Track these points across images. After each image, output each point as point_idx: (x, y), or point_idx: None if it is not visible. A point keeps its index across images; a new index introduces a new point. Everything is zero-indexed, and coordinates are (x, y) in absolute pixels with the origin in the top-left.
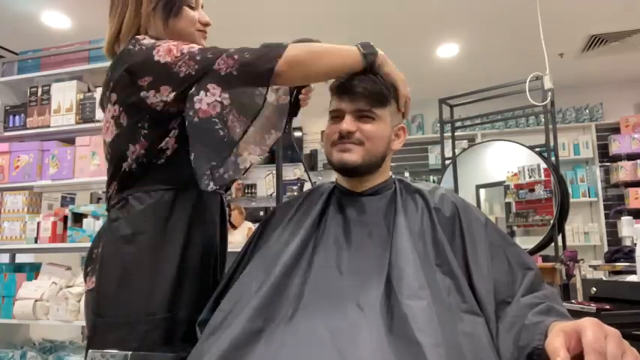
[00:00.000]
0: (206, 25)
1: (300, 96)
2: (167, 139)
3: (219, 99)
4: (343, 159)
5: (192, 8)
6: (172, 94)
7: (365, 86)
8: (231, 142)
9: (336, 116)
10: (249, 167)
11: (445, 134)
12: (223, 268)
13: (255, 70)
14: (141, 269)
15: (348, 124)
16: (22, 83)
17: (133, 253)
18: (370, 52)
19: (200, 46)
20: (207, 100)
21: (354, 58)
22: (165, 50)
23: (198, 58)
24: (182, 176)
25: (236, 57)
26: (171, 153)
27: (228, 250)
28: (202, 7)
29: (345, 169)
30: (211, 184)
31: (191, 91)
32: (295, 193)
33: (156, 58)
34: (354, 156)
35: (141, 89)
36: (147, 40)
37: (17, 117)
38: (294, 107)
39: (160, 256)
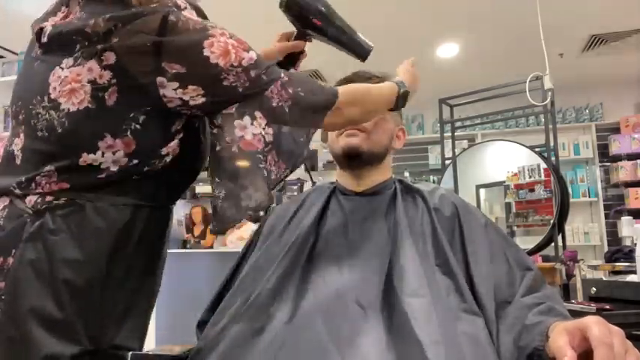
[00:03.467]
0: None
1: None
2: (170, 143)
3: (263, 132)
4: (349, 143)
5: None
6: (202, 100)
7: (371, 80)
8: (270, 185)
9: None
10: (254, 207)
11: (445, 134)
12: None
13: (307, 114)
14: (80, 311)
15: None
16: None
17: (78, 287)
18: (404, 90)
19: (257, 57)
20: (254, 130)
21: (393, 94)
22: (222, 49)
23: (252, 74)
24: (164, 190)
25: (291, 91)
26: (169, 161)
27: (229, 250)
28: None
29: (350, 155)
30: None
31: (229, 111)
32: (295, 193)
33: (206, 52)
34: (359, 140)
35: (161, 73)
36: (191, 15)
37: None
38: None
39: (110, 295)
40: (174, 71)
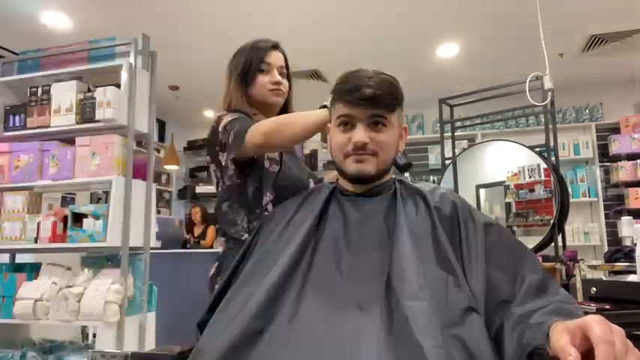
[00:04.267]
0: (277, 83)
1: None
2: (251, 189)
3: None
4: (359, 170)
5: (263, 72)
6: (226, 157)
7: (376, 92)
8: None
9: (346, 122)
10: None
11: (445, 134)
12: None
13: (234, 142)
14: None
15: (361, 135)
16: (22, 83)
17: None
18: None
19: (232, 118)
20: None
21: (324, 115)
22: (223, 126)
23: (230, 129)
24: (250, 226)
25: (228, 128)
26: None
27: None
28: (284, 68)
29: (360, 179)
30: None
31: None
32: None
33: (220, 129)
34: (368, 166)
35: (219, 151)
36: (223, 116)
37: (17, 117)
38: None
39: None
40: (217, 147)
